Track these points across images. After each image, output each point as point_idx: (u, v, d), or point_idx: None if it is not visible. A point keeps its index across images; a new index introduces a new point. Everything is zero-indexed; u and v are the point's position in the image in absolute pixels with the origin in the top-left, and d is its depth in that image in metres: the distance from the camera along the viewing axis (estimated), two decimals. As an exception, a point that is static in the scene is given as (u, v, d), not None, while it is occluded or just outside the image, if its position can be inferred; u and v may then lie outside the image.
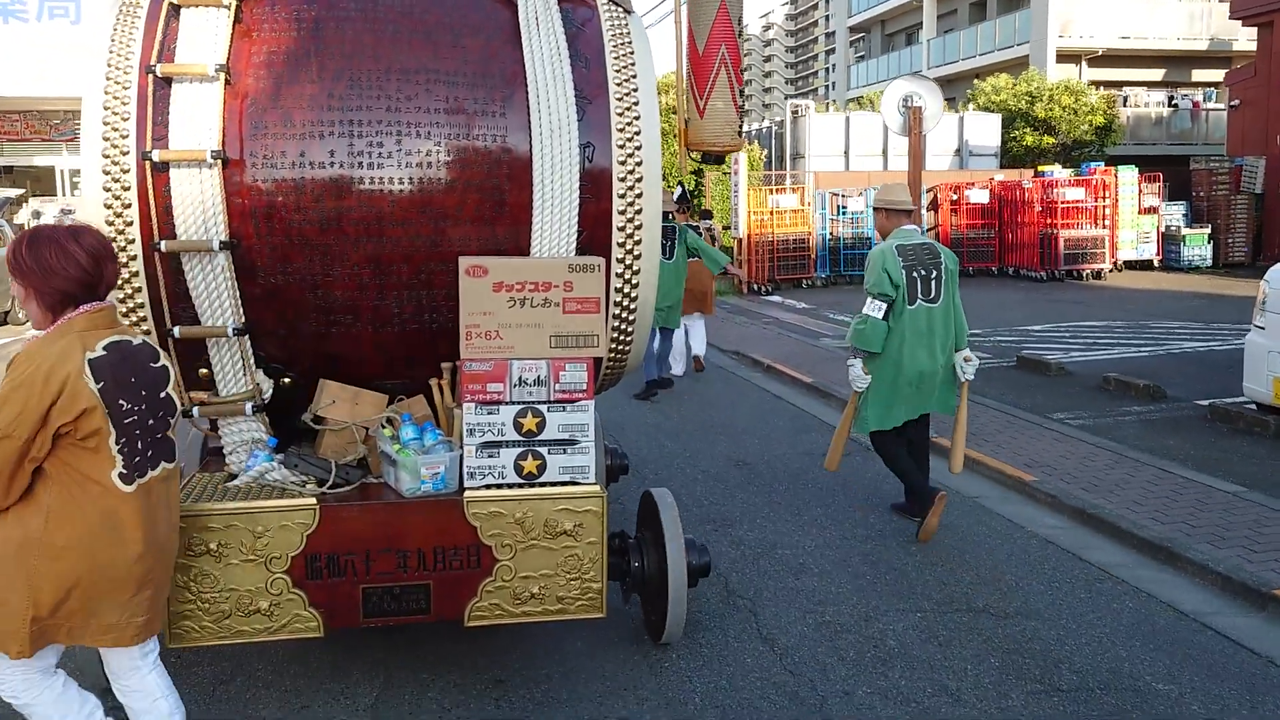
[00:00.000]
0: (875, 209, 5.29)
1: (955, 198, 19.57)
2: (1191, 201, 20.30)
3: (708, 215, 15.90)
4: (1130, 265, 19.37)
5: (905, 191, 5.29)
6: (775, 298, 17.15)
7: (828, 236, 18.58)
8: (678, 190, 9.72)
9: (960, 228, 19.53)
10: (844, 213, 18.82)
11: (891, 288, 4.87)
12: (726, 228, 20.10)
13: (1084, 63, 30.37)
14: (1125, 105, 26.80)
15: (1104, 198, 18.72)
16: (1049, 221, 18.46)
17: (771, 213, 18.24)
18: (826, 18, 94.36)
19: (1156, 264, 19.65)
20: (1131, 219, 19.26)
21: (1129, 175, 19.16)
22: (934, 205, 19.78)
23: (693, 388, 9.24)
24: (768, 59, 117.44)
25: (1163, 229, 19.65)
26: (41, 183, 19.79)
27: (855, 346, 4.99)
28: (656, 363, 8.79)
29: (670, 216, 8.53)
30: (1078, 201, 18.56)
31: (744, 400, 8.72)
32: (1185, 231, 19.55)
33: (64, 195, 19.36)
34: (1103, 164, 20.20)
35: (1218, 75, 30.38)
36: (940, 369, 5.01)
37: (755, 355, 10.74)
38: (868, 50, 45.07)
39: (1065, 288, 17.23)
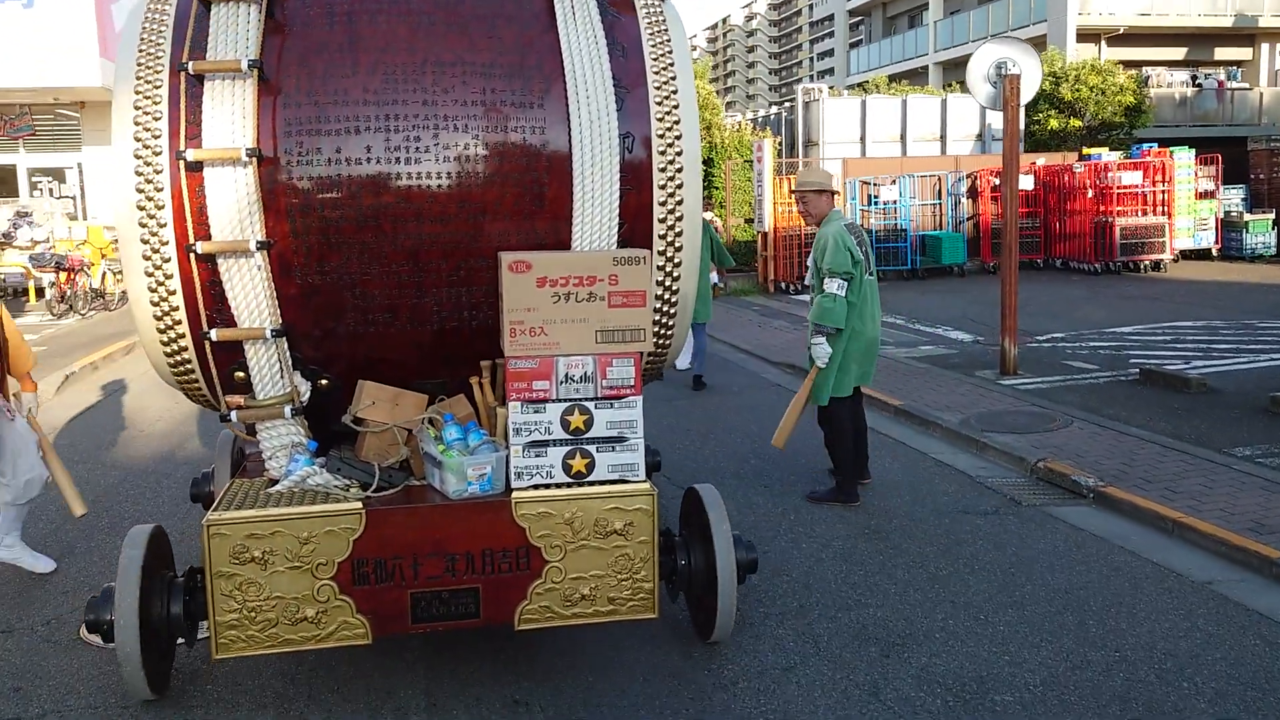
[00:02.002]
0: (803, 193, 5.90)
1: (997, 183, 19.83)
2: (1250, 185, 20.55)
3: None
4: (1186, 255, 19.63)
5: (824, 171, 6.17)
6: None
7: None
8: None
9: (1001, 216, 19.74)
10: (876, 203, 19.11)
11: (853, 265, 5.62)
12: (749, 221, 20.42)
13: (1104, 41, 30.84)
14: (1147, 85, 27.19)
15: (1161, 182, 18.99)
16: (1103, 208, 18.67)
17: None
18: (810, 6, 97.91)
19: (1215, 253, 19.92)
20: (1188, 204, 19.53)
21: (1185, 157, 19.43)
22: (973, 192, 20.08)
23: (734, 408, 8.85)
24: (750, 49, 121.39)
25: (1220, 215, 19.90)
26: (4, 184, 20.08)
27: (822, 325, 5.67)
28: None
29: None
30: (1134, 186, 18.80)
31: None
32: (1248, 218, 19.80)
33: (27, 196, 19.62)
34: (1155, 145, 20.44)
35: (1243, 53, 30.78)
36: (879, 337, 5.98)
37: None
38: (867, 34, 45.88)
39: (1126, 281, 17.45)
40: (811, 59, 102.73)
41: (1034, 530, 5.41)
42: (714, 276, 10.39)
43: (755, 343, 12.21)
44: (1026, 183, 19.56)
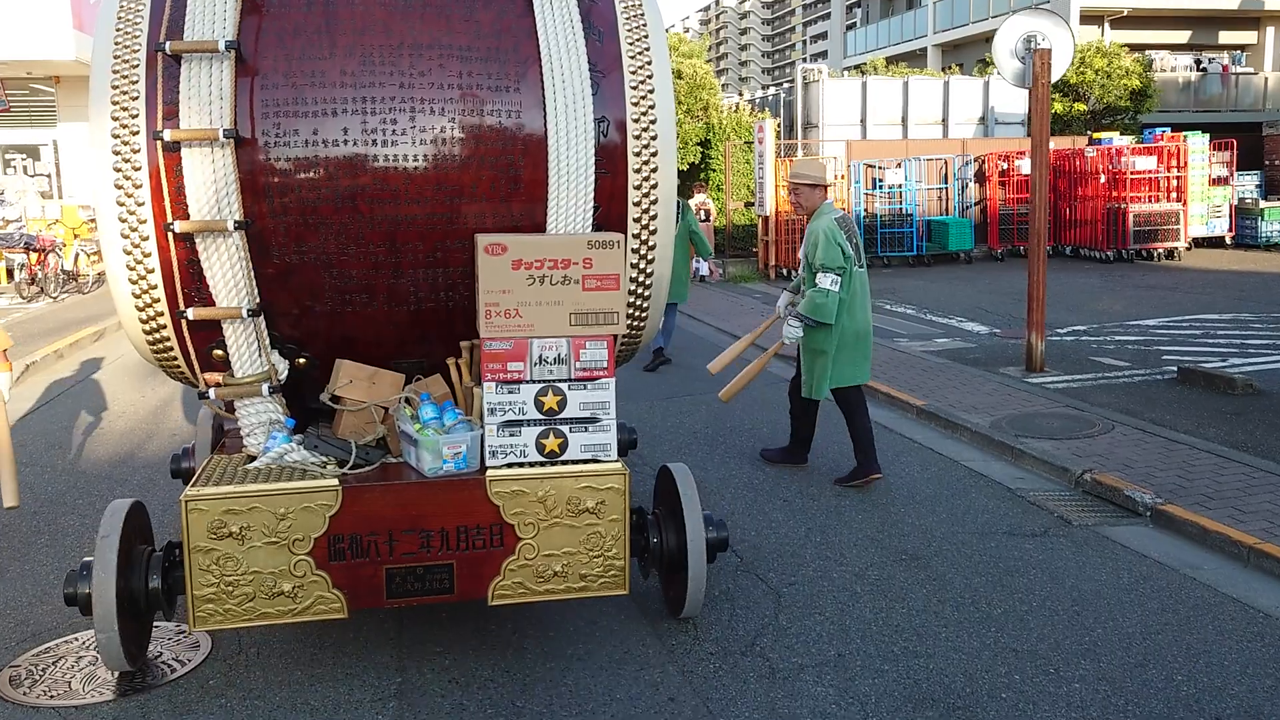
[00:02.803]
0: (797, 185, 6.14)
1: (1005, 168, 20.04)
2: (1265, 171, 20.76)
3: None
4: (1199, 243, 19.86)
5: (821, 166, 6.29)
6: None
7: (862, 213, 19.04)
8: None
9: (1009, 202, 20.04)
10: (880, 187, 19.32)
11: (845, 259, 5.85)
12: (750, 204, 20.62)
13: (1107, 24, 31.08)
14: (1150, 70, 27.46)
15: (1176, 167, 19.18)
16: (1115, 194, 18.87)
17: (801, 187, 18.71)
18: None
19: (1229, 241, 20.14)
20: (1201, 191, 19.75)
21: (1199, 143, 19.64)
22: (980, 177, 20.29)
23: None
24: (743, 31, 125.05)
25: (1234, 202, 20.11)
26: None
27: (811, 318, 5.92)
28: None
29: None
30: (1148, 172, 19.00)
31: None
32: (1263, 205, 20.02)
33: (0, 173, 19.79)
34: (1168, 129, 20.64)
35: (1248, 37, 30.95)
36: (870, 329, 6.23)
37: None
38: (864, 16, 46.30)
39: (1141, 270, 17.64)
40: (805, 41, 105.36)
41: (1090, 557, 5.05)
42: (703, 266, 10.79)
43: (764, 335, 12.20)
44: (1035, 167, 19.76)
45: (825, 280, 5.82)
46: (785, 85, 25.75)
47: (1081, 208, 19.51)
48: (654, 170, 3.95)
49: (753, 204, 19.90)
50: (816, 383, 6.12)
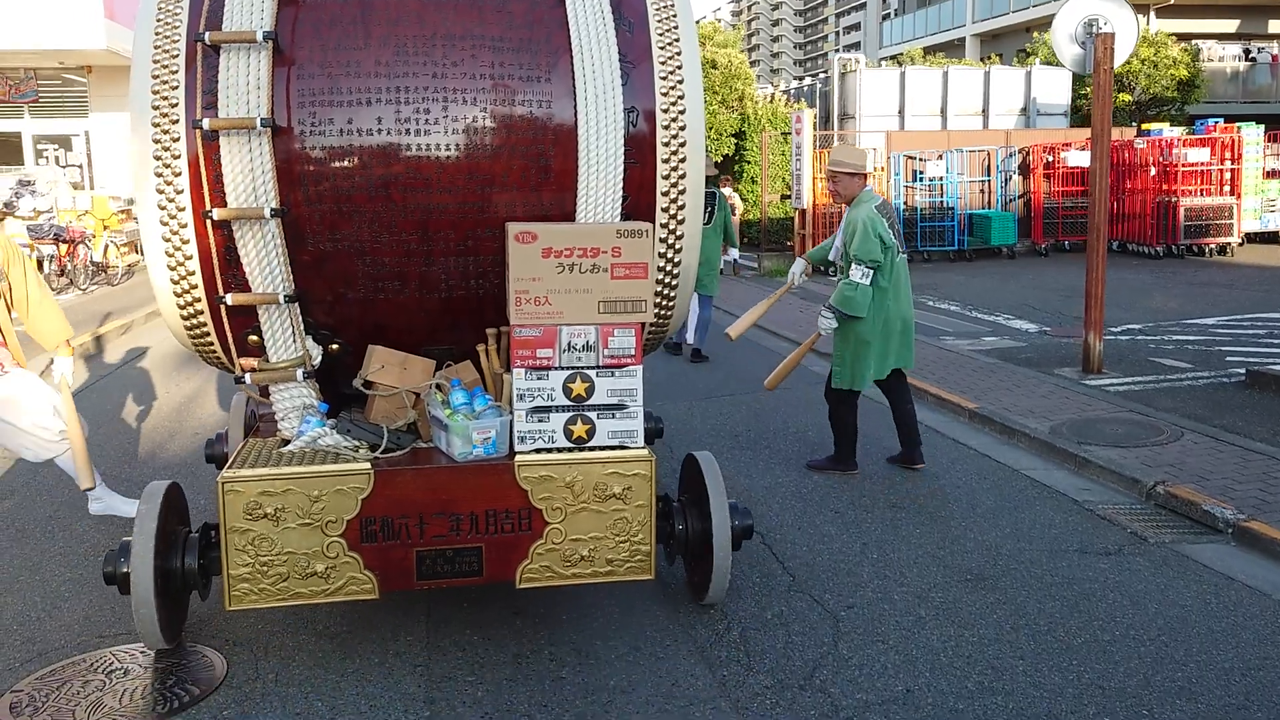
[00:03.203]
0: (836, 173, 6.18)
1: (1050, 160, 19.98)
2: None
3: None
4: (1252, 238, 19.71)
5: (862, 154, 6.38)
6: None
7: (902, 206, 19.06)
8: None
9: (1054, 195, 19.99)
10: (921, 179, 19.33)
11: (882, 251, 5.91)
12: (786, 197, 20.71)
13: (1152, 12, 30.84)
14: (1198, 59, 27.20)
15: (1230, 160, 19.04)
16: (1166, 188, 18.77)
17: (838, 179, 18.76)
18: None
19: (1284, 236, 19.98)
20: (1255, 184, 19.59)
21: (1254, 134, 19.49)
22: (1024, 169, 20.24)
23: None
24: (775, 22, 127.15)
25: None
26: (8, 151, 20.73)
27: (842, 310, 6.00)
28: (692, 332, 10.38)
29: (711, 181, 9.97)
30: (1201, 164, 18.88)
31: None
32: (1321, 199, 19.85)
33: (32, 164, 20.25)
34: (1221, 120, 20.48)
35: None
36: (912, 320, 6.32)
37: None
38: (900, 5, 46.30)
39: (1193, 265, 17.51)
40: (838, 33, 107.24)
41: (1171, 579, 4.81)
42: (733, 253, 10.97)
43: (802, 331, 11.66)
44: (1082, 159, 19.68)
45: (857, 272, 5.87)
46: (821, 76, 25.79)
47: (1130, 201, 19.41)
48: (682, 160, 4.08)
49: (789, 197, 19.97)
50: (857, 373, 6.16)
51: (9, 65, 20.04)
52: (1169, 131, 20.17)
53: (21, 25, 17.55)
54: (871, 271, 5.87)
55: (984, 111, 23.74)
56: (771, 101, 23.68)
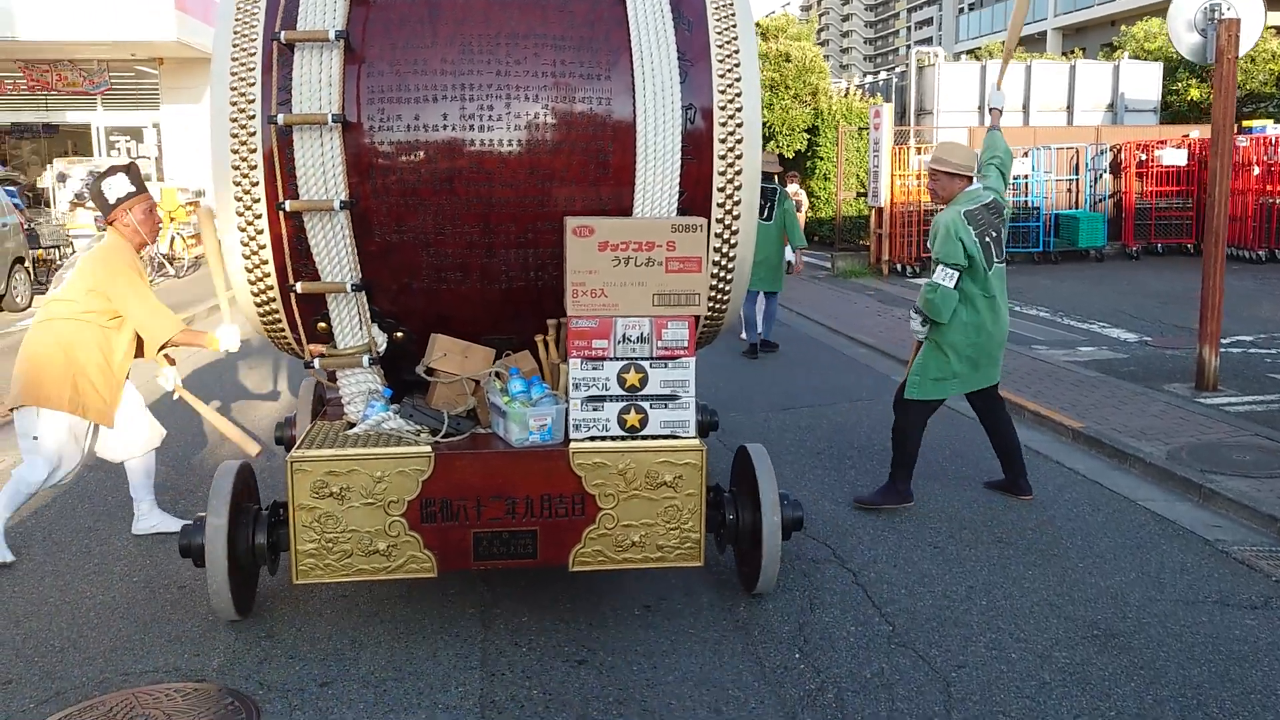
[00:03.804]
0: (934, 171, 5.91)
1: (1144, 158, 19.79)
2: None
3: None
4: (1363, 242, 19.29)
5: (967, 153, 5.89)
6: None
7: (985, 205, 19.00)
8: None
9: (1147, 195, 19.80)
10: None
11: (965, 257, 5.58)
12: (861, 194, 20.79)
13: None
14: None
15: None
16: (1270, 189, 18.47)
17: (919, 177, 18.73)
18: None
19: (1398, 241, 19.52)
20: (1366, 184, 19.18)
21: (1366, 130, 19.11)
22: (1116, 168, 20.09)
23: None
24: (846, 18, 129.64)
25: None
26: (78, 141, 21.69)
27: (924, 313, 5.75)
28: (761, 324, 10.78)
29: (774, 178, 10.33)
30: (1311, 164, 18.56)
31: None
32: None
33: (102, 155, 21.15)
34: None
35: None
36: (1005, 335, 5.98)
37: None
38: None
39: (1299, 271, 16.98)
40: (909, 28, 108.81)
41: None
42: (787, 252, 11.24)
43: (882, 337, 11.75)
44: (1178, 157, 19.50)
45: (939, 274, 5.60)
46: (898, 70, 25.80)
47: (1230, 203, 19.04)
48: (739, 156, 4.34)
49: (864, 194, 20.04)
50: (934, 384, 5.83)
51: (83, 57, 20.98)
52: (1272, 129, 19.85)
53: (95, 17, 18.39)
54: (955, 274, 5.57)
55: (1068, 107, 23.56)
56: (846, 96, 23.77)
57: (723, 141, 4.33)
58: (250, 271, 4.33)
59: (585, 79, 4.30)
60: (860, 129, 21.73)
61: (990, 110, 6.68)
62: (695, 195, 4.35)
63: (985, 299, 5.73)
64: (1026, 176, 19.19)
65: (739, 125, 4.34)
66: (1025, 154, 19.30)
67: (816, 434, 7.68)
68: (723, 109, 4.33)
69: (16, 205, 15.61)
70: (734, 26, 4.41)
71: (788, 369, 10.14)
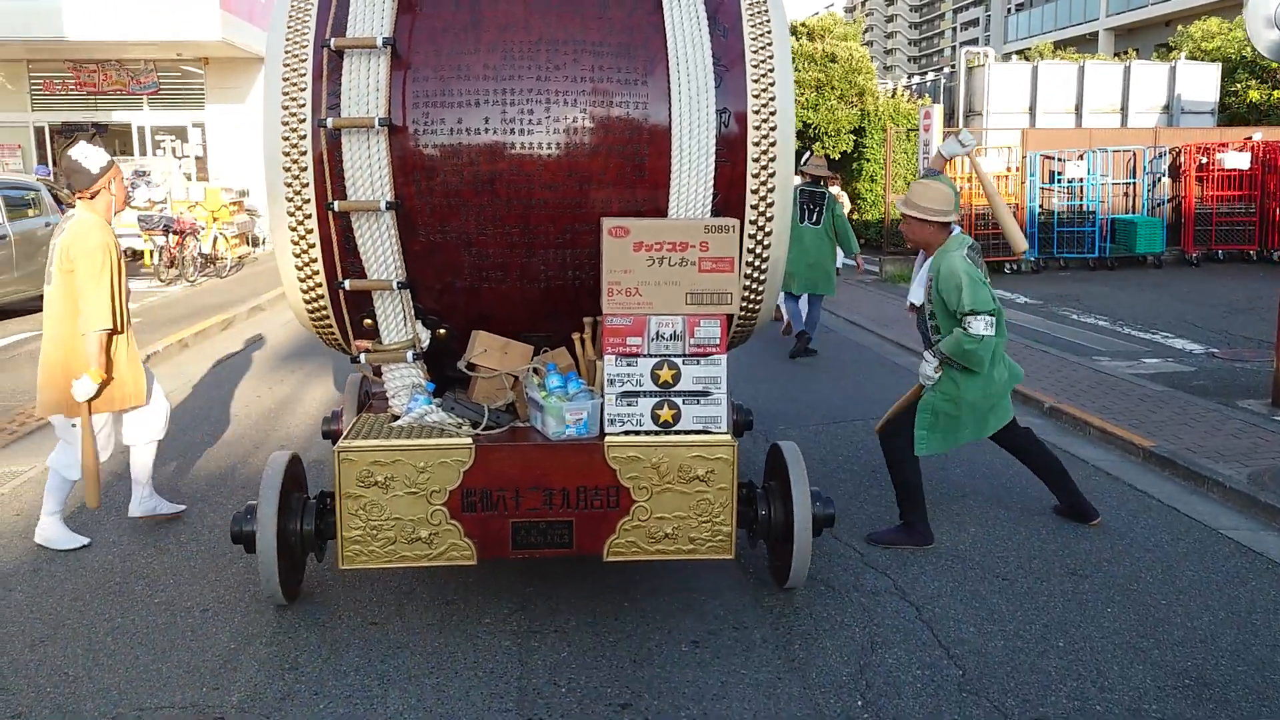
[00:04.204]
0: (913, 219, 5.54)
1: (1204, 161, 19.75)
2: None
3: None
4: None
5: (946, 197, 5.52)
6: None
7: (1038, 210, 19.09)
8: (806, 156, 11.18)
9: (1207, 200, 19.74)
10: (1059, 180, 19.32)
11: (993, 301, 5.30)
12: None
13: None
14: None
15: None
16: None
17: (969, 179, 18.79)
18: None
19: None
20: None
21: None
22: (1175, 171, 20.05)
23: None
24: (890, 19, 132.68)
25: None
26: (124, 140, 22.33)
27: (957, 361, 5.38)
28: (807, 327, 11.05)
29: (823, 182, 10.55)
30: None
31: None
32: None
33: (145, 155, 21.78)
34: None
35: None
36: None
37: (1020, 387, 8.46)
38: None
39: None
40: (955, 29, 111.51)
41: None
42: (840, 258, 11.48)
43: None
44: (1241, 160, 19.42)
45: (979, 325, 5.23)
46: (946, 70, 25.87)
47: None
48: (772, 160, 4.58)
49: (912, 197, 20.14)
50: (948, 437, 5.60)
51: (130, 57, 21.62)
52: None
53: (141, 18, 18.97)
54: (993, 320, 5.27)
55: (1122, 109, 23.51)
56: (894, 97, 23.89)
57: (756, 144, 4.57)
58: (300, 269, 4.64)
59: (623, 84, 4.56)
60: (909, 130, 21.84)
61: (940, 155, 6.39)
62: (729, 197, 4.59)
63: (1000, 344, 5.50)
64: (1081, 180, 19.23)
65: (772, 129, 4.58)
66: (1080, 156, 19.34)
67: (871, 450, 7.22)
68: (756, 113, 4.57)
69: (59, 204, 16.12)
70: (769, 32, 4.66)
71: (836, 378, 10.04)
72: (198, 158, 22.23)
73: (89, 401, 5.39)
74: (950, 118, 23.70)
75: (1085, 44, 37.42)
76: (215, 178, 21.63)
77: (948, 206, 5.48)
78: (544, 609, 4.84)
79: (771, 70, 4.61)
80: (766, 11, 4.71)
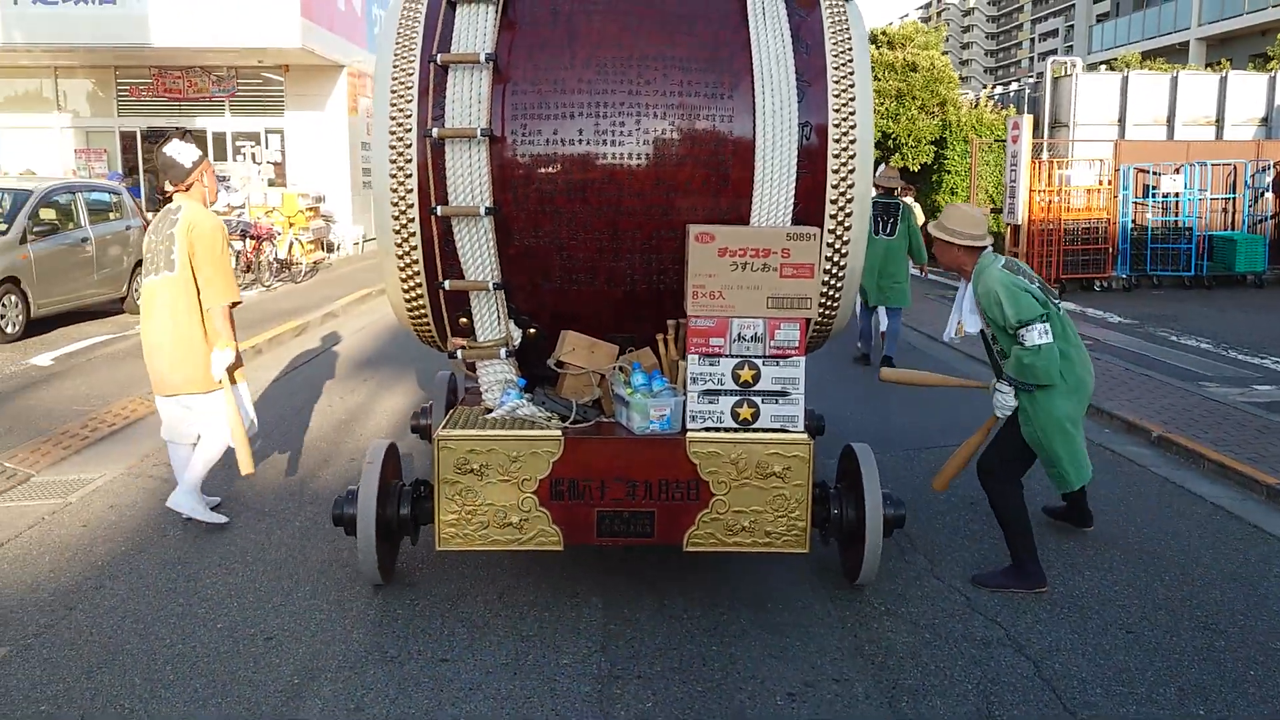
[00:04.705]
0: (941, 241, 5.54)
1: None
2: None
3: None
4: None
5: (979, 222, 5.55)
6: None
7: (1130, 225, 19.13)
8: (880, 169, 11.62)
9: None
10: (1154, 195, 19.33)
11: (1041, 306, 5.25)
12: (997, 210, 21.05)
13: None
14: None
15: None
16: None
17: (1060, 192, 18.90)
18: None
19: None
20: None
21: None
22: (1278, 186, 19.94)
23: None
24: (966, 29, 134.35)
25: None
26: (205, 145, 23.31)
27: (1026, 382, 5.29)
28: (885, 343, 11.41)
29: (896, 193, 10.96)
30: None
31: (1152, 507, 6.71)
32: None
33: (225, 160, 22.71)
34: None
35: None
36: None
37: (1123, 413, 8.88)
38: (1114, 8, 45.91)
39: None
40: (1033, 39, 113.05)
41: None
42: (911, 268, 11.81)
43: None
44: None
45: (1032, 334, 5.17)
46: (1030, 80, 25.92)
47: None
48: (851, 171, 4.98)
49: (1000, 210, 20.30)
50: (1080, 461, 5.49)
51: (212, 64, 22.60)
52: None
53: (223, 24, 19.85)
54: (1048, 327, 5.21)
55: (1218, 121, 23.37)
56: (977, 107, 24.04)
57: (836, 157, 4.97)
58: (402, 270, 5.12)
59: (709, 98, 4.99)
60: (995, 141, 21.99)
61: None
62: (809, 206, 5.00)
63: (1075, 349, 5.46)
64: (1177, 195, 19.22)
65: (852, 141, 4.97)
66: (1177, 170, 19.34)
67: (966, 480, 6.34)
68: (836, 126, 4.97)
69: (140, 208, 16.94)
70: (850, 49, 5.06)
71: (922, 400, 9.43)
72: (276, 164, 23.16)
73: (229, 371, 5.99)
74: (1035, 128, 23.81)
75: (1175, 54, 37.23)
76: (292, 183, 22.48)
77: (977, 230, 5.48)
78: (625, 651, 4.71)
79: (852, 86, 5.01)
80: (848, 29, 5.11)
